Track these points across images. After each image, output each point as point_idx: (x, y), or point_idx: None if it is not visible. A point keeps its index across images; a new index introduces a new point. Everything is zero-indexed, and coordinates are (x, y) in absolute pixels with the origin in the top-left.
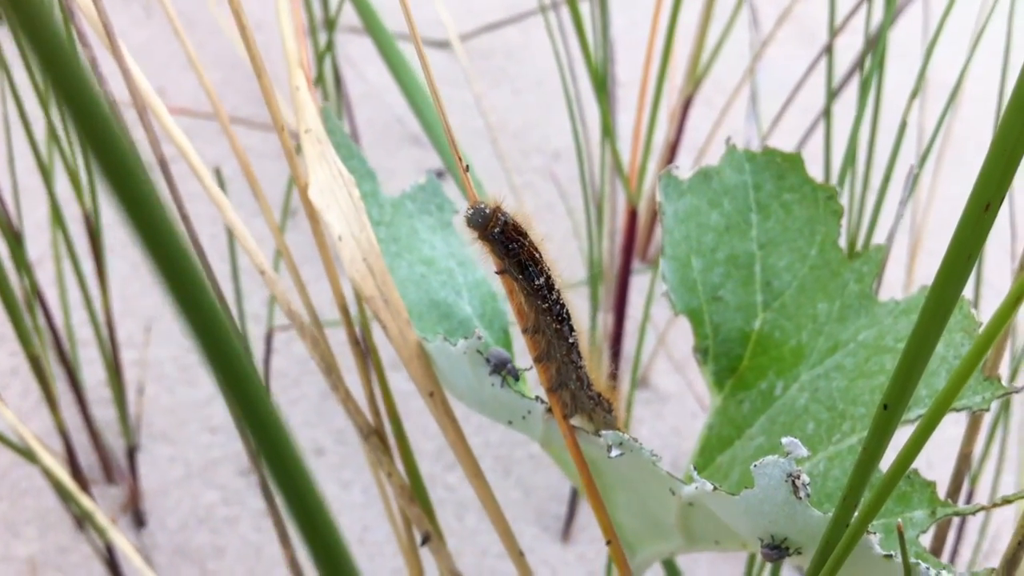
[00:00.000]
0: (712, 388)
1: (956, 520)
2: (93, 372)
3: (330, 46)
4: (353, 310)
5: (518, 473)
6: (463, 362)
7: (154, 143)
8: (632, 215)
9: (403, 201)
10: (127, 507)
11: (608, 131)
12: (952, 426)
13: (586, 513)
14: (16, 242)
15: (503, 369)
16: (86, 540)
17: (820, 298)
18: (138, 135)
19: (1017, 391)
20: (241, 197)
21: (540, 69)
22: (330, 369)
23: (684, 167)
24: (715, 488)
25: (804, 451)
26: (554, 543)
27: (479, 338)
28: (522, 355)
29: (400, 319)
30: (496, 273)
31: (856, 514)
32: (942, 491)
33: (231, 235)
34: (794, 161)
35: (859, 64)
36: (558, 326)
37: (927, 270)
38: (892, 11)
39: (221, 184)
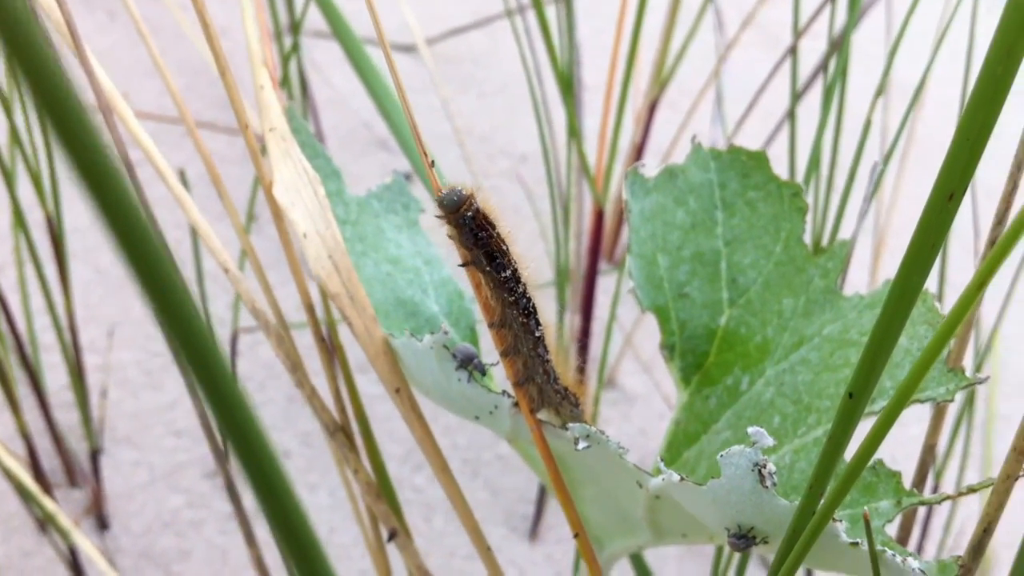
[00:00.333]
0: (679, 384)
1: (921, 517)
2: (56, 377)
3: (295, 48)
4: (320, 312)
5: (486, 475)
6: (430, 357)
7: (119, 147)
8: (599, 216)
9: (369, 200)
10: (90, 511)
11: (575, 131)
12: (915, 424)
13: (553, 513)
14: None
15: (470, 364)
16: (49, 544)
17: (785, 294)
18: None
19: (981, 382)
20: (206, 202)
21: (506, 74)
22: (295, 367)
23: (650, 167)
24: (682, 479)
25: (770, 440)
26: (521, 543)
27: (445, 333)
28: (489, 353)
29: (366, 316)
30: (462, 266)
31: (822, 502)
32: (908, 485)
33: (195, 239)
34: (759, 159)
35: (823, 66)
36: (524, 320)
37: (891, 270)
38: (856, 13)
39: (185, 186)
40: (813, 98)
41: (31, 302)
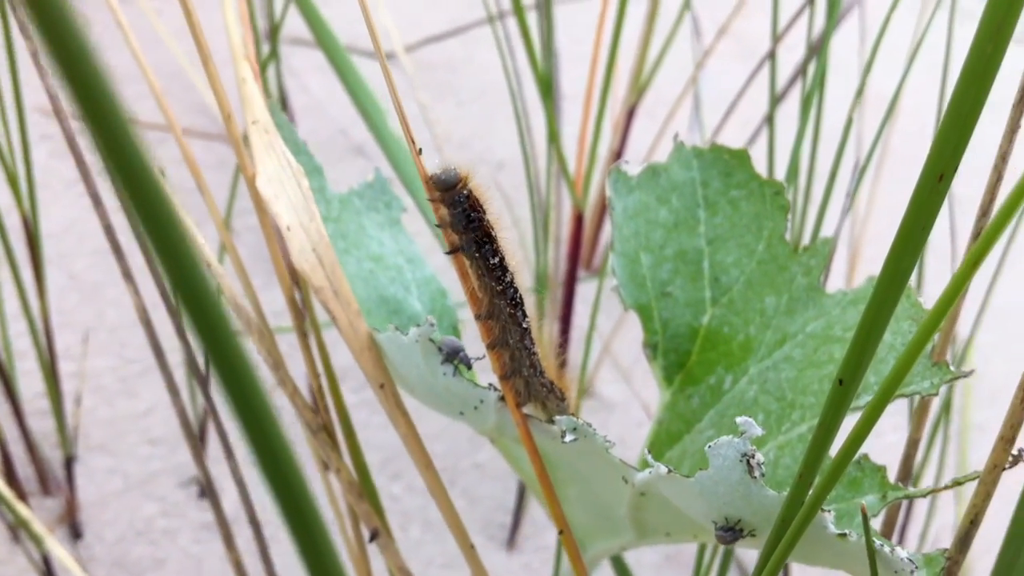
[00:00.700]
0: (661, 384)
1: (896, 527)
2: (30, 383)
3: (274, 53)
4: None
5: (463, 483)
6: (415, 351)
7: None
8: (578, 221)
9: (351, 198)
10: (64, 519)
11: (554, 135)
12: (892, 432)
13: (531, 523)
14: None
15: (456, 357)
16: (22, 552)
17: (768, 292)
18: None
19: (965, 375)
20: (184, 208)
21: (483, 81)
22: (277, 365)
23: (632, 167)
24: (670, 471)
25: (758, 430)
26: (499, 552)
27: (432, 326)
28: (472, 349)
29: (350, 310)
30: (449, 253)
31: (810, 492)
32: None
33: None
34: (741, 157)
35: (801, 71)
36: (512, 310)
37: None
38: (835, 19)
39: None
40: (788, 107)
41: (6, 307)
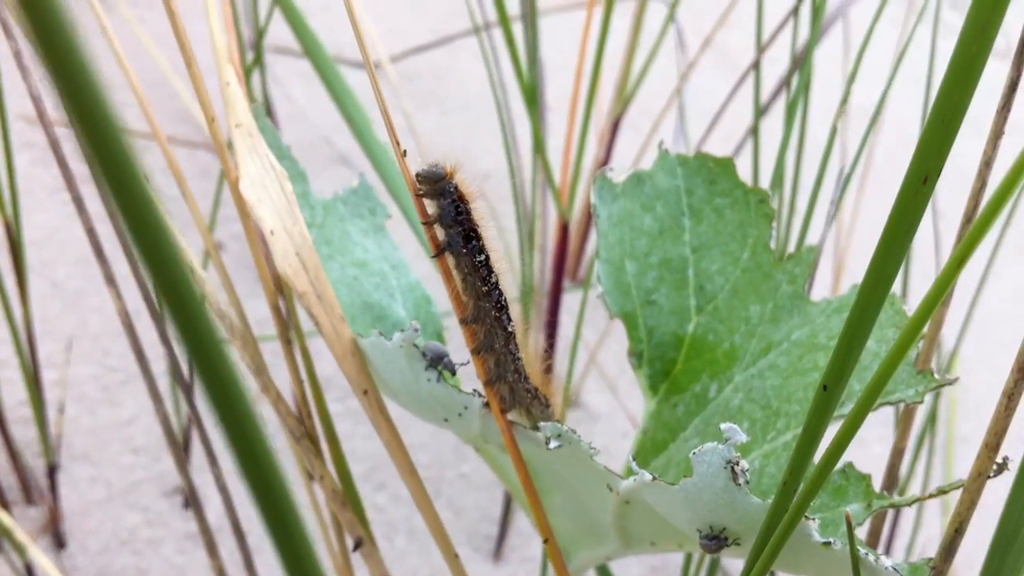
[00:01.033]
0: (646, 392)
1: (883, 538)
2: (13, 392)
3: (258, 61)
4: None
5: (448, 494)
6: (398, 357)
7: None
8: (563, 231)
9: (335, 204)
10: (47, 528)
11: (540, 145)
12: (877, 443)
13: (517, 533)
14: None
15: (440, 363)
16: (5, 561)
17: (753, 300)
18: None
19: (950, 383)
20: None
21: (468, 91)
22: (260, 371)
23: (617, 174)
24: (654, 478)
25: (743, 436)
26: (485, 563)
27: (416, 331)
28: (457, 355)
29: (333, 315)
30: (435, 256)
31: (794, 499)
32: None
33: None
34: (726, 165)
35: (785, 82)
36: (497, 313)
37: None
38: (818, 31)
39: None
40: (773, 120)
41: None
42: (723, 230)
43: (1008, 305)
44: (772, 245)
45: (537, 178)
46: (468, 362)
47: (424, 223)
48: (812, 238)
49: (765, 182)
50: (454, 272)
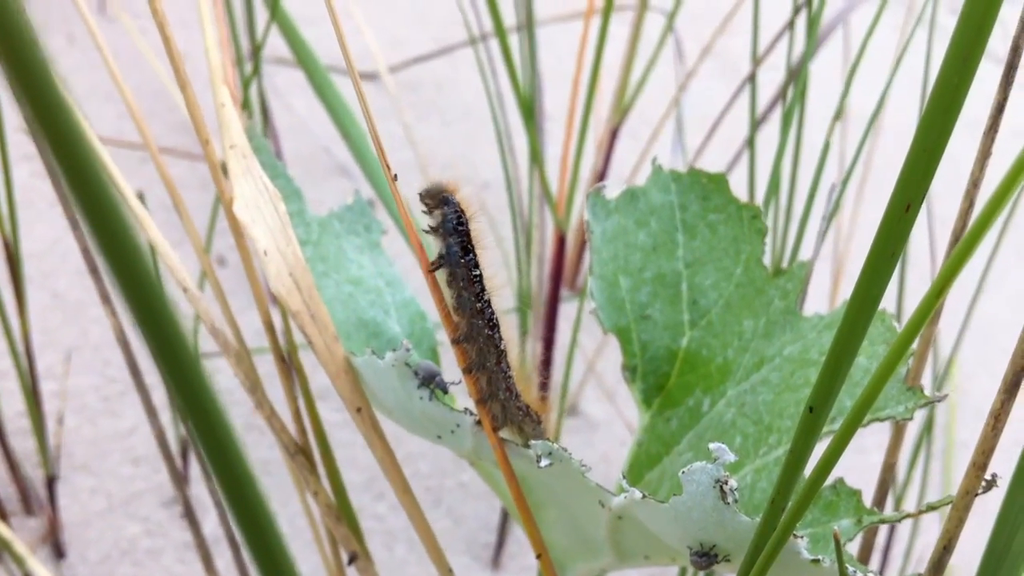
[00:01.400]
0: (640, 406)
1: (881, 544)
2: (12, 403)
3: (256, 72)
4: (281, 338)
5: (448, 503)
6: (391, 375)
7: None
8: (560, 242)
9: (330, 221)
10: (46, 538)
11: (536, 156)
12: (876, 451)
13: (516, 541)
14: None
15: (432, 382)
16: (5, 572)
17: (746, 315)
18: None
19: (939, 400)
20: (164, 228)
21: (466, 102)
22: (254, 387)
23: (611, 191)
24: (644, 496)
25: (731, 456)
26: (484, 572)
27: (408, 350)
28: (451, 373)
29: (327, 334)
30: (432, 270)
31: (783, 517)
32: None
33: (154, 264)
34: (719, 181)
35: (782, 94)
36: (490, 332)
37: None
38: (814, 40)
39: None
40: (771, 129)
41: None
42: (717, 245)
43: (1008, 310)
44: (766, 260)
45: (534, 189)
46: (460, 381)
47: (426, 230)
48: (807, 249)
49: (762, 191)
50: (447, 290)
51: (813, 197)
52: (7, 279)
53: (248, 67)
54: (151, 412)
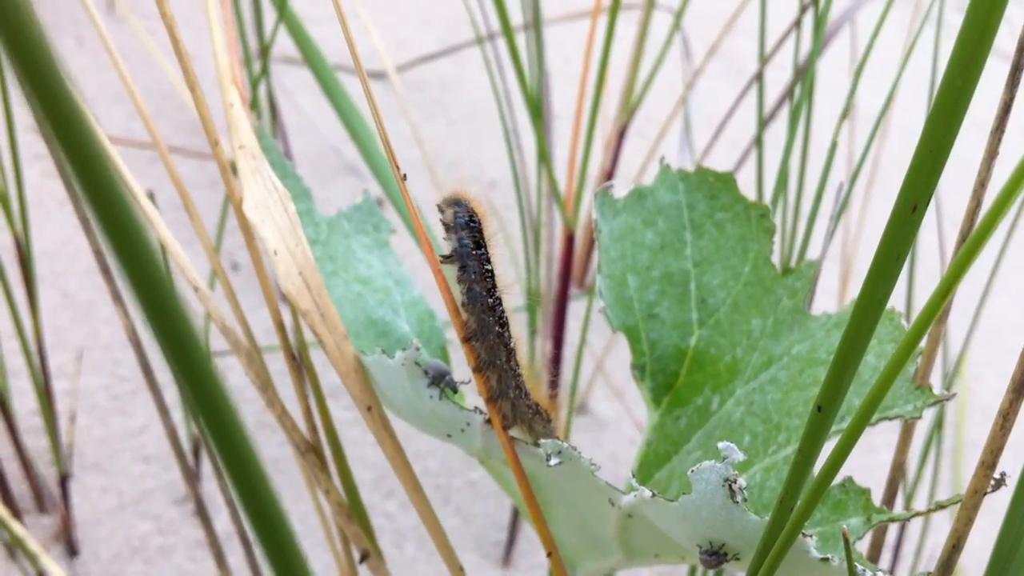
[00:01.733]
0: (649, 405)
1: (892, 542)
2: (24, 402)
3: (265, 71)
4: (292, 337)
5: (457, 501)
6: (401, 375)
7: None
8: (569, 240)
9: (339, 220)
10: (59, 536)
11: (544, 155)
12: (886, 450)
13: (526, 539)
14: None
15: (441, 381)
16: (18, 569)
17: (754, 314)
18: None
19: (948, 399)
20: (174, 228)
21: (473, 101)
22: (265, 386)
23: (619, 190)
24: (654, 495)
25: (740, 455)
26: (494, 570)
27: (417, 349)
28: (460, 372)
29: (337, 333)
30: (443, 260)
31: (791, 517)
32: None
33: (164, 263)
34: (727, 180)
35: (789, 92)
36: (500, 329)
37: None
38: (821, 39)
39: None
40: (778, 128)
41: None
42: (724, 244)
43: (1016, 310)
44: (774, 258)
45: (542, 187)
46: (470, 380)
47: (445, 224)
48: (815, 248)
49: (770, 190)
50: (456, 287)
51: (821, 196)
52: (19, 279)
53: (256, 67)
54: (162, 411)
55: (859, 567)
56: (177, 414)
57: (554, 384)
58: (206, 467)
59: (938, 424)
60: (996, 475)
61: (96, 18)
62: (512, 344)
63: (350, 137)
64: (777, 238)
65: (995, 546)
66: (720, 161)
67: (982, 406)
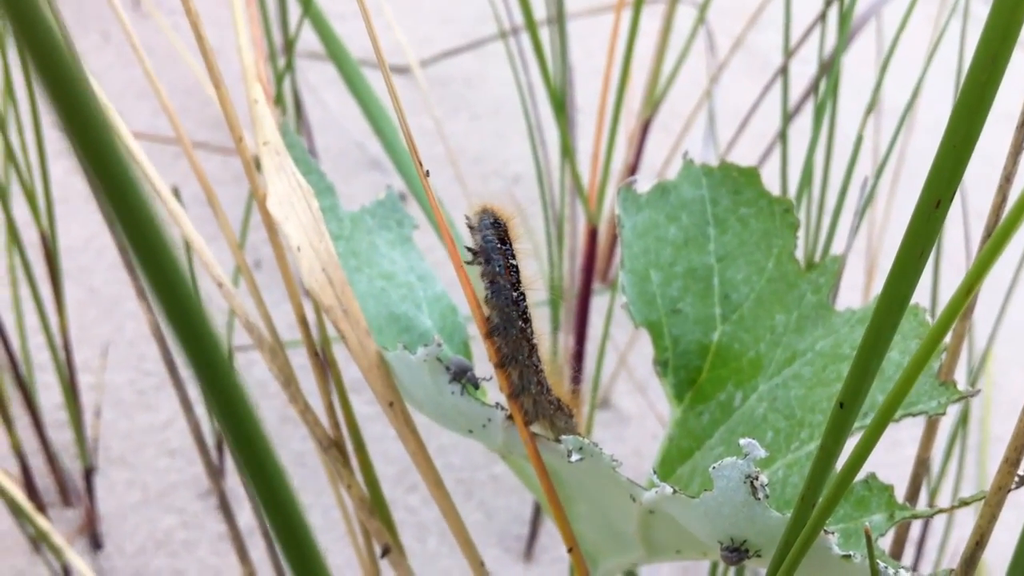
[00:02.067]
0: (672, 400)
1: (915, 537)
2: (50, 396)
3: (289, 67)
4: (315, 332)
5: (480, 495)
6: (422, 370)
7: None
8: (592, 235)
9: (362, 216)
10: (84, 530)
11: (567, 150)
12: (911, 444)
13: (548, 534)
14: None
15: (463, 377)
16: (43, 562)
17: (777, 309)
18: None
19: (972, 395)
20: (198, 224)
21: (497, 96)
22: (288, 381)
23: (642, 185)
24: (675, 491)
25: (762, 452)
26: (516, 564)
27: (439, 345)
28: (482, 367)
29: (359, 329)
30: (468, 262)
31: (812, 514)
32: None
33: (189, 258)
34: (750, 175)
35: (814, 87)
36: (523, 324)
37: None
38: (846, 33)
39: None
40: (803, 122)
41: (25, 321)
42: (748, 240)
43: None
44: (798, 254)
45: (566, 182)
46: (491, 377)
47: (470, 226)
48: (840, 243)
49: (794, 185)
50: (479, 283)
51: (846, 191)
52: (45, 274)
53: (281, 62)
54: (186, 406)
55: (881, 564)
56: (201, 409)
57: (576, 379)
58: (229, 462)
59: (963, 419)
60: (1020, 472)
61: (121, 14)
62: (534, 340)
63: (374, 132)
64: (801, 233)
65: (1019, 542)
66: (744, 155)
67: (1008, 400)
